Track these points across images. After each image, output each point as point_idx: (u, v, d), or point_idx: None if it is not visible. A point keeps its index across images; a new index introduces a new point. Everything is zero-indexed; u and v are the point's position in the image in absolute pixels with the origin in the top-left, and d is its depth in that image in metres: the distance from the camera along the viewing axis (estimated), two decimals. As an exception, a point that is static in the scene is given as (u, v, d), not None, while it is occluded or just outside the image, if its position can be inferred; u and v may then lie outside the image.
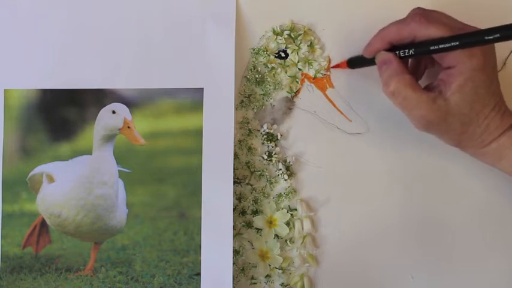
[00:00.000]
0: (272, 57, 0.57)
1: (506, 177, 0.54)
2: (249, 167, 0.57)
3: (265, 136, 0.57)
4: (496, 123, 0.49)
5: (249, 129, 0.57)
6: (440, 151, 0.56)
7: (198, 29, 0.57)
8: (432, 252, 0.56)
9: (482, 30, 0.46)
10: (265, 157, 0.57)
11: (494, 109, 0.49)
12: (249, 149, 0.57)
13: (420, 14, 0.49)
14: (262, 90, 0.58)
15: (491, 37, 0.45)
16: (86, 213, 0.56)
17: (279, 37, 0.57)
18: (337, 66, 0.57)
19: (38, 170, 0.57)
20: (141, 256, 0.56)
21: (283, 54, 0.58)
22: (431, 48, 0.48)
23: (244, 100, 0.58)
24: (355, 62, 0.55)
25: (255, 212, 0.57)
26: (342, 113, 0.57)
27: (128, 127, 0.56)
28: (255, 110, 0.58)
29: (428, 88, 0.50)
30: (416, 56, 0.50)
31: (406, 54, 0.50)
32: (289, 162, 0.57)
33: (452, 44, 0.47)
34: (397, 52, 0.50)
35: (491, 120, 0.49)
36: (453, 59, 0.48)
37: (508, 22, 0.45)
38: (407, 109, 0.49)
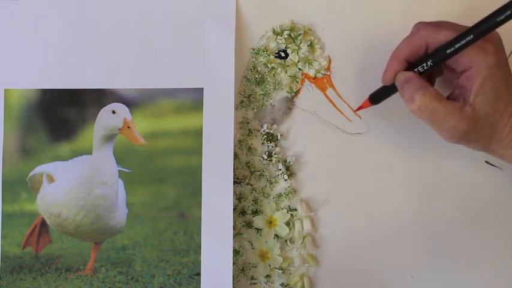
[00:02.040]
0: (272, 57, 0.57)
1: (509, 178, 0.54)
2: (249, 167, 0.57)
3: (265, 136, 0.57)
4: None
5: (249, 129, 0.57)
6: (440, 151, 0.56)
7: (198, 29, 0.57)
8: (432, 252, 0.56)
9: (492, 13, 0.46)
10: (265, 157, 0.57)
11: None
12: (249, 149, 0.57)
13: (425, 23, 0.50)
14: (262, 90, 0.58)
15: (502, 17, 0.45)
16: (86, 213, 0.56)
17: (279, 37, 0.57)
18: (361, 107, 0.55)
19: (38, 170, 0.57)
20: (141, 256, 0.56)
21: (283, 54, 0.58)
22: (448, 51, 0.48)
23: (244, 100, 0.58)
24: (377, 96, 0.54)
25: (255, 212, 0.57)
26: (342, 113, 0.57)
27: (128, 127, 0.56)
28: (255, 110, 0.58)
29: (450, 98, 0.50)
30: (435, 66, 0.49)
31: (425, 68, 0.49)
32: (289, 162, 0.57)
33: (467, 39, 0.47)
34: (416, 69, 0.50)
35: None
36: (468, 61, 0.48)
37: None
38: (437, 122, 0.49)
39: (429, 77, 0.53)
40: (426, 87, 0.49)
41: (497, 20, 0.45)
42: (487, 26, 0.46)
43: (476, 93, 0.47)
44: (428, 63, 0.49)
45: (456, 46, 0.47)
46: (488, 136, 0.49)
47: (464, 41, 0.47)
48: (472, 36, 0.46)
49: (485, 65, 0.47)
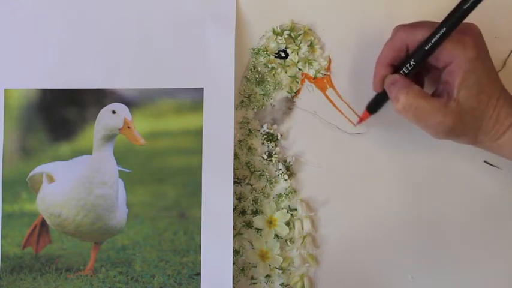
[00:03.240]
0: (272, 57, 0.57)
1: (508, 177, 0.54)
2: (249, 167, 0.57)
3: (265, 136, 0.57)
4: (506, 112, 0.49)
5: (249, 129, 0.58)
6: (440, 151, 0.57)
7: (198, 29, 0.57)
8: (432, 252, 0.56)
9: (459, 3, 0.47)
10: (265, 157, 0.57)
11: (501, 97, 0.49)
12: (249, 149, 0.57)
13: (402, 25, 0.51)
14: (262, 90, 0.58)
15: (468, 4, 0.46)
16: (86, 213, 0.56)
17: (279, 37, 0.57)
18: (361, 120, 0.56)
19: (38, 170, 0.57)
20: (141, 256, 0.56)
21: (283, 54, 0.58)
22: (426, 48, 0.49)
23: (244, 100, 0.58)
24: (373, 105, 0.54)
25: (255, 212, 0.57)
26: (342, 113, 0.57)
27: (128, 127, 0.56)
28: (255, 110, 0.58)
29: (435, 95, 0.50)
30: (418, 65, 0.50)
31: (409, 69, 0.50)
32: (289, 162, 0.57)
33: (441, 32, 0.48)
34: (401, 71, 0.51)
35: (500, 109, 0.49)
36: (447, 56, 0.49)
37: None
38: (422, 119, 0.49)
39: (417, 77, 0.53)
40: (410, 86, 0.49)
41: (464, 7, 0.46)
42: (457, 16, 0.47)
43: (460, 88, 0.48)
44: (411, 63, 0.50)
45: (432, 41, 0.48)
46: (475, 129, 0.49)
47: (439, 34, 0.48)
48: (444, 29, 0.47)
49: (465, 59, 0.48)
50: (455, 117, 0.48)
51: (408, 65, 0.50)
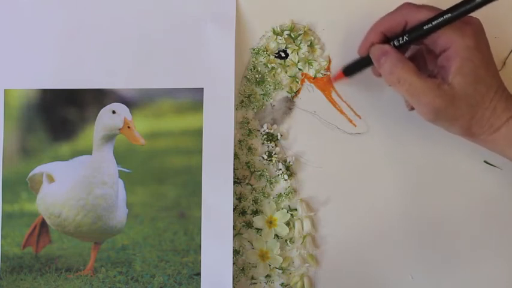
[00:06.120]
0: (272, 57, 0.57)
1: (508, 177, 0.54)
2: (249, 167, 0.57)
3: (265, 136, 0.57)
4: (502, 106, 0.48)
5: (249, 129, 0.58)
6: (440, 151, 0.57)
7: (198, 29, 0.57)
8: (432, 252, 0.56)
9: None
10: (265, 157, 0.57)
11: (498, 91, 0.49)
12: (249, 149, 0.57)
13: (409, 3, 0.51)
14: (262, 90, 0.58)
15: None
16: (86, 213, 0.56)
17: (279, 37, 0.57)
18: (335, 79, 0.56)
19: (38, 170, 0.57)
20: (141, 256, 0.56)
21: (283, 54, 0.58)
22: (425, 27, 0.48)
23: (244, 100, 0.58)
24: (351, 69, 0.54)
25: (255, 212, 0.57)
26: (342, 112, 0.57)
27: (128, 127, 0.56)
28: (255, 110, 0.58)
29: (430, 77, 0.50)
30: (411, 41, 0.50)
31: (400, 43, 0.50)
32: (289, 162, 0.57)
33: (445, 17, 0.47)
34: (392, 42, 0.50)
35: (497, 102, 0.48)
36: (446, 41, 0.48)
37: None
38: (415, 96, 0.49)
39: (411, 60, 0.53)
40: (404, 60, 0.49)
41: (477, 1, 0.46)
42: (466, 7, 0.47)
43: (456, 73, 0.48)
44: (405, 37, 0.50)
45: (433, 23, 0.48)
46: (469, 117, 0.49)
47: (442, 18, 0.47)
48: (449, 15, 0.47)
49: (463, 46, 0.48)
50: (448, 99, 0.48)
51: (401, 38, 0.50)
